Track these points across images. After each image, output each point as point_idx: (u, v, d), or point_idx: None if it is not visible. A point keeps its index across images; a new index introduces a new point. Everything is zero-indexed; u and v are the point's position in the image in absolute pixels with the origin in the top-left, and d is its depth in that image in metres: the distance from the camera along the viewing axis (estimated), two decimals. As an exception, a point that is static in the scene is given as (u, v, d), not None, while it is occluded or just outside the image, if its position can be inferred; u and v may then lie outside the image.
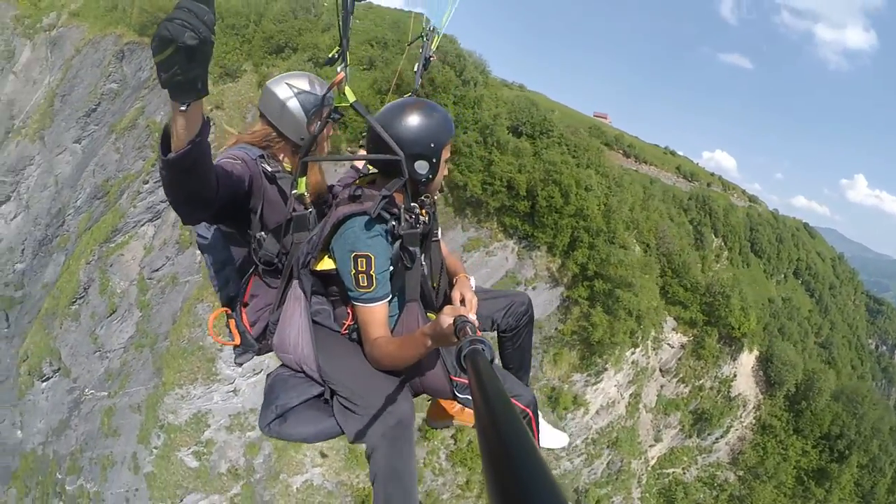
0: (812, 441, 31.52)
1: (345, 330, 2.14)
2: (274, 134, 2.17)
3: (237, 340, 2.24)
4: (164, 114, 24.26)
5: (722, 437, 30.00)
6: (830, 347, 45.23)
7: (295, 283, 2.12)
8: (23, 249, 31.24)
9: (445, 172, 2.19)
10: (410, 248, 1.98)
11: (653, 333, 26.38)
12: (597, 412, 24.14)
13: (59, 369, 26.56)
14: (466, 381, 2.00)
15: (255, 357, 2.32)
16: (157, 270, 24.64)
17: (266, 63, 24.79)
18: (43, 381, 27.36)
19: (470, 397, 2.04)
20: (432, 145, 1.95)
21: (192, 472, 20.75)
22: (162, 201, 25.85)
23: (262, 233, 2.09)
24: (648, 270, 23.95)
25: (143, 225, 25.93)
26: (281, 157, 2.21)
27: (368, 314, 1.98)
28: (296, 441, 2.20)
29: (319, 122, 2.04)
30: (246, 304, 2.23)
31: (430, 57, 2.93)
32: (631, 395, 25.88)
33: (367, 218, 1.91)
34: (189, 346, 21.31)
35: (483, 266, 21.29)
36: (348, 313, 2.07)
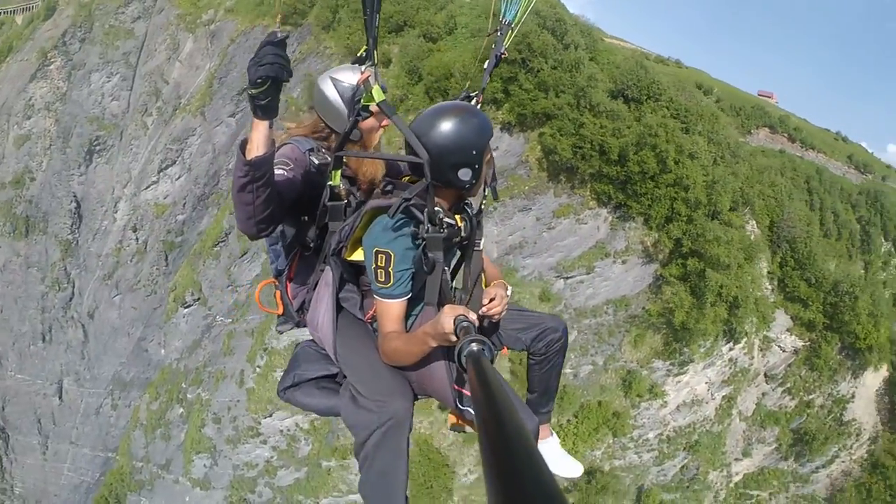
0: (932, 494, 26.08)
1: (368, 318, 2.23)
2: (322, 125, 2.32)
3: (280, 310, 2.42)
4: (299, 91, 28.16)
5: (824, 466, 25.55)
6: None
7: (327, 268, 2.26)
8: (184, 203, 37.15)
9: (489, 177, 2.23)
10: (431, 253, 2.00)
11: (762, 331, 23.30)
12: (677, 408, 22.16)
13: (198, 298, 31.07)
14: (469, 392, 2.08)
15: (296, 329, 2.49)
16: (282, 221, 29.13)
17: (386, 41, 27.41)
18: (185, 308, 32.11)
19: (471, 409, 2.11)
20: (474, 152, 1.98)
21: None
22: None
23: (306, 217, 2.26)
24: (756, 254, 21.19)
25: None
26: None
27: (384, 308, 2.06)
28: (304, 409, 2.37)
29: (352, 118, 2.14)
30: (291, 279, 2.40)
31: (502, 54, 2.84)
32: (724, 397, 23.23)
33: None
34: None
35: (572, 234, 21.07)
36: (374, 303, 2.15)
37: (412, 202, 1.95)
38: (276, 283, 2.46)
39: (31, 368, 35.28)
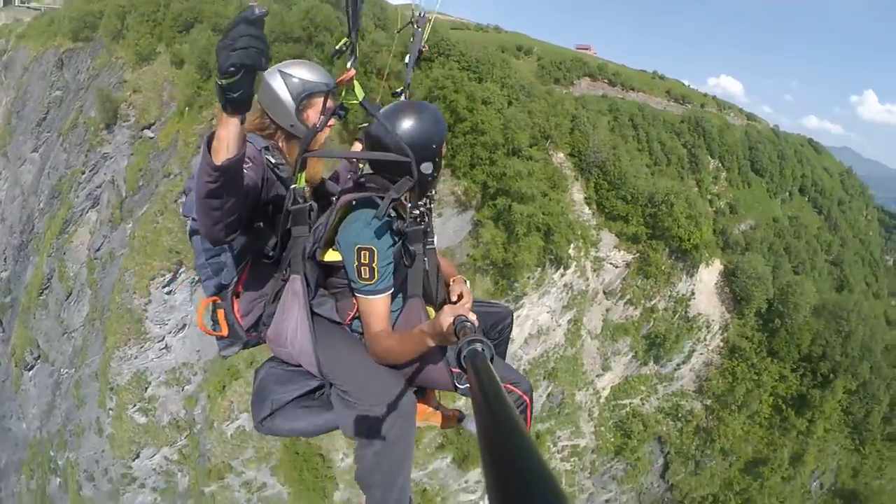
0: (790, 364, 28.53)
1: (348, 321, 2.18)
2: (268, 121, 2.19)
3: (225, 331, 2.19)
4: (95, 112, 26.19)
5: (683, 363, 27.77)
6: (842, 265, 42.67)
7: (293, 277, 2.11)
8: (5, 258, 34.28)
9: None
10: (412, 247, 2.03)
11: (590, 253, 25.08)
12: (525, 341, 23.14)
13: (38, 356, 29.01)
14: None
15: (239, 344, 2.26)
16: (98, 249, 26.58)
17: (177, 41, 26.01)
18: (28, 370, 29.94)
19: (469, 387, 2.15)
20: (434, 146, 2.01)
21: (142, 427, 22.60)
22: (98, 187, 27.89)
23: (261, 223, 2.10)
24: (562, 181, 22.74)
25: (87, 212, 27.95)
26: (280, 146, 2.22)
27: (370, 306, 2.03)
28: (291, 436, 2.30)
29: (323, 116, 2.07)
30: (238, 294, 2.20)
31: (423, 48, 2.71)
32: (570, 321, 24.57)
33: (373, 212, 1.95)
34: (119, 310, 22.82)
35: None
36: (353, 304, 2.09)
37: (396, 200, 1.95)
38: (218, 301, 2.22)
39: None
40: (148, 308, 22.69)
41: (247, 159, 1.89)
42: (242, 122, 1.58)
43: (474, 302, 2.42)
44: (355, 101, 1.98)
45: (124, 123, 25.94)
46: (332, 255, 2.10)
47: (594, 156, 24.83)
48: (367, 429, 2.05)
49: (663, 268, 26.53)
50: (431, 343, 1.84)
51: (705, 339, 28.03)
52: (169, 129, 23.67)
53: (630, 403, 26.71)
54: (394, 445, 2.05)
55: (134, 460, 23.04)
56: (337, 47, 1.96)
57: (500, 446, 0.63)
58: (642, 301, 26.45)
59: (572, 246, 23.58)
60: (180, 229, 23.18)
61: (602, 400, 25.65)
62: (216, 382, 22.19)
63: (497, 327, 2.57)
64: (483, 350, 1.29)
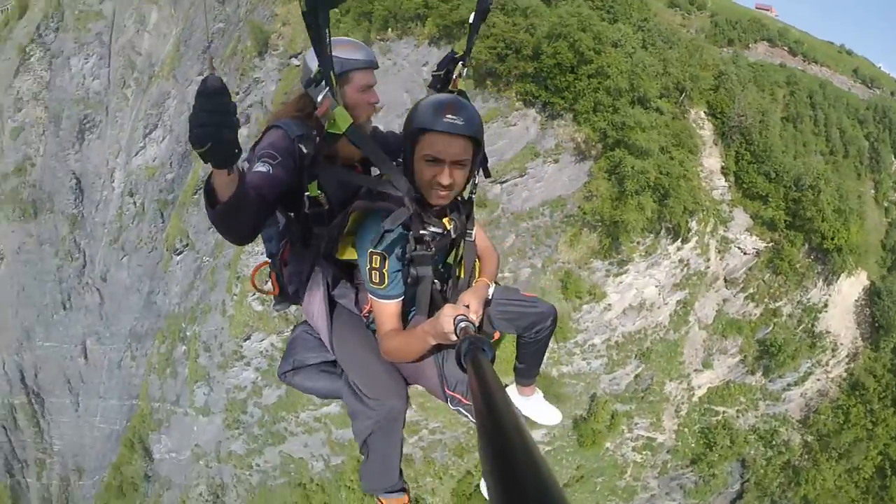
0: (916, 423, 23.85)
1: (364, 313, 2.27)
2: (308, 100, 2.18)
3: (276, 292, 2.40)
4: (250, 42, 29.43)
5: (796, 384, 23.87)
6: None
7: (317, 269, 2.26)
8: (171, 163, 40.17)
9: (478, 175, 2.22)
10: (417, 269, 2.05)
11: (718, 231, 22.05)
12: (623, 312, 21.52)
13: (186, 244, 33.46)
14: (460, 397, 2.23)
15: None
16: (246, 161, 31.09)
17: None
18: (177, 255, 34.73)
19: (462, 409, 2.26)
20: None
21: (257, 314, 25.51)
22: (249, 107, 31.48)
23: (291, 213, 2.20)
24: (691, 140, 19.89)
25: (239, 128, 32.41)
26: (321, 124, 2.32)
27: (380, 308, 2.09)
28: (305, 392, 2.50)
29: (345, 88, 2.10)
30: (285, 264, 2.37)
31: (490, 5, 2.50)
32: (679, 302, 22.21)
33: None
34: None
35: (502, 138, 21.17)
36: (369, 300, 2.16)
37: (404, 219, 1.95)
38: (271, 265, 2.45)
39: (57, 335, 38.38)
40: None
41: (274, 154, 1.98)
42: (230, 173, 1.58)
43: (510, 300, 2.48)
44: (338, 132, 1.92)
45: (274, 52, 28.83)
46: (349, 254, 2.16)
47: (739, 120, 21.68)
48: (361, 416, 2.23)
49: (798, 266, 22.97)
50: (433, 342, 1.89)
51: (827, 364, 23.98)
52: None
53: (723, 413, 23.67)
54: (382, 434, 2.24)
55: (245, 341, 26.10)
56: (312, 76, 1.92)
57: (501, 448, 0.64)
58: (766, 300, 23.19)
59: (695, 218, 21.22)
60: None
61: (695, 399, 23.11)
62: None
63: (534, 328, 2.55)
64: (484, 350, 1.28)
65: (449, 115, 1.89)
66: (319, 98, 1.89)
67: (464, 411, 2.27)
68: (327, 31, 1.71)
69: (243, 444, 26.67)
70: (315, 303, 2.30)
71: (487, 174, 2.39)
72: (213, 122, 1.41)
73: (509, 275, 22.04)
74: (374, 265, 2.00)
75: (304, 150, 2.04)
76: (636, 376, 22.06)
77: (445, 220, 2.10)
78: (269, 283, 2.47)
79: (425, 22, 20.70)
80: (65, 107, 44.04)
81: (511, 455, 0.61)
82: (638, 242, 20.74)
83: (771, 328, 23.17)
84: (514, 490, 0.54)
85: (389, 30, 21.82)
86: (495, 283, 2.52)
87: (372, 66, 2.20)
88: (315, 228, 2.16)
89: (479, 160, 2.05)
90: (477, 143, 1.98)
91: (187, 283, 32.65)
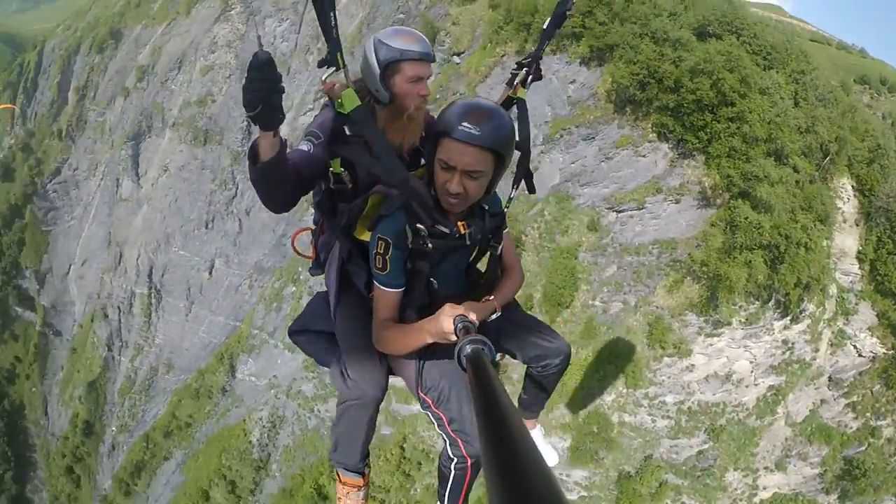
0: None
1: (370, 295, 2.45)
2: (364, 85, 2.47)
3: (312, 257, 2.80)
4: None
5: None
6: None
7: (337, 243, 2.58)
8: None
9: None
10: (416, 262, 2.27)
11: (836, 321, 20.39)
12: (706, 378, 20.61)
13: None
14: (430, 402, 2.41)
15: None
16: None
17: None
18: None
19: (430, 414, 2.45)
20: None
21: None
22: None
23: (323, 186, 2.50)
24: (819, 207, 18.54)
25: None
26: (373, 109, 2.49)
27: (379, 294, 2.29)
28: (305, 354, 2.87)
29: (395, 78, 2.36)
30: (322, 233, 2.74)
31: (569, 11, 2.69)
32: (771, 388, 20.85)
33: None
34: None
35: (629, 167, 21.78)
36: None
37: (398, 204, 2.18)
38: (312, 232, 2.82)
39: (192, 247, 44.70)
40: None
41: (318, 133, 2.38)
42: (275, 136, 2.05)
43: (527, 325, 2.65)
44: (343, 113, 2.18)
45: (439, 48, 33.30)
46: (365, 235, 2.38)
47: (885, 200, 20.24)
48: (340, 390, 2.53)
49: (915, 388, 20.53)
50: (429, 339, 2.04)
51: (915, 508, 20.74)
52: (471, 60, 30.03)
53: (784, 530, 21.19)
54: (352, 414, 2.54)
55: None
56: (324, 58, 2.15)
57: (501, 448, 0.68)
58: (868, 414, 21.18)
59: (811, 299, 20.03)
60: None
61: (755, 501, 21.38)
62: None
63: (541, 361, 2.67)
64: (484, 350, 1.39)
65: (466, 123, 2.02)
66: (324, 77, 2.16)
67: (431, 417, 2.43)
68: (332, 14, 2.00)
69: (313, 388, 29.57)
70: (331, 275, 2.60)
71: (531, 189, 2.66)
72: (263, 89, 1.83)
73: (599, 304, 22.87)
74: (378, 250, 2.20)
75: (348, 132, 2.31)
76: (699, 452, 21.06)
77: (461, 224, 2.25)
78: (311, 249, 2.82)
79: (580, 41, 22.32)
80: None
81: (512, 454, 0.65)
82: (740, 306, 20.00)
83: (864, 448, 21.26)
84: (514, 489, 0.57)
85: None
86: (514, 302, 2.66)
87: (425, 58, 2.39)
88: (339, 204, 2.44)
89: (502, 173, 2.15)
90: (499, 155, 2.09)
91: (314, 232, 39.17)
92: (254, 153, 2.13)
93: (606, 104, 22.69)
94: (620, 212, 22.79)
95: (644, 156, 21.98)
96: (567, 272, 22.77)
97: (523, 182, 2.72)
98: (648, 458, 21.34)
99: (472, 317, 1.87)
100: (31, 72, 62.87)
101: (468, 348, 1.40)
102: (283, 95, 1.98)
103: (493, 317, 2.39)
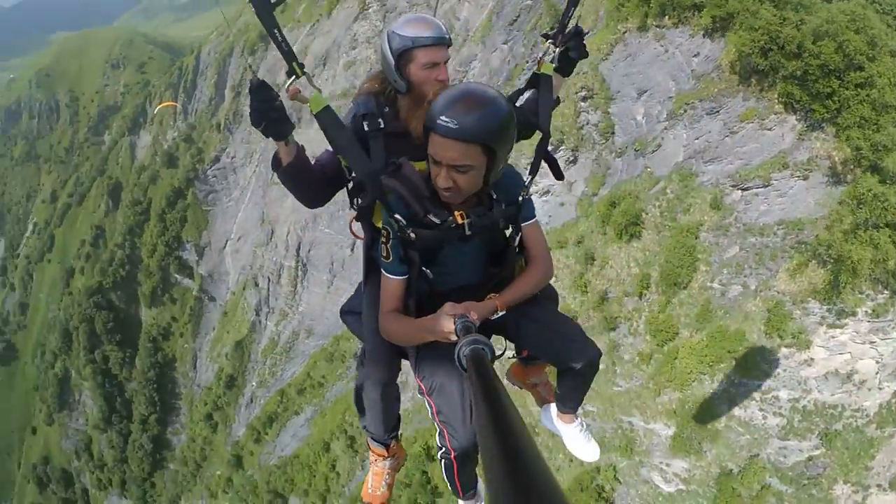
0: None
1: None
2: (382, 76, 2.76)
3: (363, 238, 3.01)
4: (546, 19, 37.33)
5: None
6: None
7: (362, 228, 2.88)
8: None
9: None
10: (408, 251, 2.45)
11: None
12: (825, 375, 19.81)
13: None
14: (424, 387, 2.64)
15: None
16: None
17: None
18: None
19: (425, 399, 2.65)
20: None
21: None
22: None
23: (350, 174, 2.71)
24: None
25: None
26: (394, 100, 2.75)
27: (384, 283, 2.52)
28: (351, 332, 3.24)
29: (409, 67, 2.59)
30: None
31: None
32: None
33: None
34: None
35: (754, 141, 21.64)
36: None
37: (402, 194, 2.35)
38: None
39: (337, 227, 49.82)
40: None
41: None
42: (287, 144, 2.50)
43: (549, 326, 2.75)
44: (316, 111, 2.45)
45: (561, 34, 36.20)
46: (379, 223, 2.61)
47: None
48: (358, 368, 3.04)
49: None
50: (430, 338, 2.24)
51: None
52: (594, 40, 32.29)
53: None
54: (367, 391, 2.98)
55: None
56: (287, 71, 2.42)
57: (502, 447, 0.73)
58: None
59: None
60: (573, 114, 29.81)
61: None
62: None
63: (563, 363, 2.77)
64: (484, 350, 1.49)
65: (444, 117, 2.09)
66: (286, 86, 2.40)
67: (426, 403, 2.69)
68: (277, 31, 2.25)
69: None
70: (359, 260, 3.00)
71: (558, 176, 2.90)
72: (261, 108, 2.32)
73: (718, 287, 22.66)
74: (382, 237, 2.45)
75: (366, 128, 2.62)
76: (809, 458, 20.38)
77: (458, 214, 2.36)
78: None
79: (702, 12, 22.66)
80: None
81: (512, 454, 0.70)
82: (867, 294, 19.12)
83: None
84: (514, 489, 0.61)
85: (666, 17, 24.45)
86: (540, 298, 2.76)
87: (439, 43, 2.58)
88: (361, 194, 2.72)
89: (498, 163, 2.23)
90: (487, 147, 2.14)
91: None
92: (275, 160, 2.51)
93: (731, 76, 23.17)
94: (745, 189, 22.56)
95: (770, 129, 21.94)
96: (686, 251, 22.95)
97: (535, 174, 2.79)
98: (754, 457, 21.04)
99: (473, 316, 1.98)
100: (189, 73, 74.25)
101: (468, 349, 1.50)
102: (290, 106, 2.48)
103: (496, 315, 2.41)
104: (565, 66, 2.95)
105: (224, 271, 62.28)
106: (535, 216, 2.67)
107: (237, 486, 48.57)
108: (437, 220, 2.37)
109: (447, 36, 2.64)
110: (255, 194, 60.51)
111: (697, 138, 24.49)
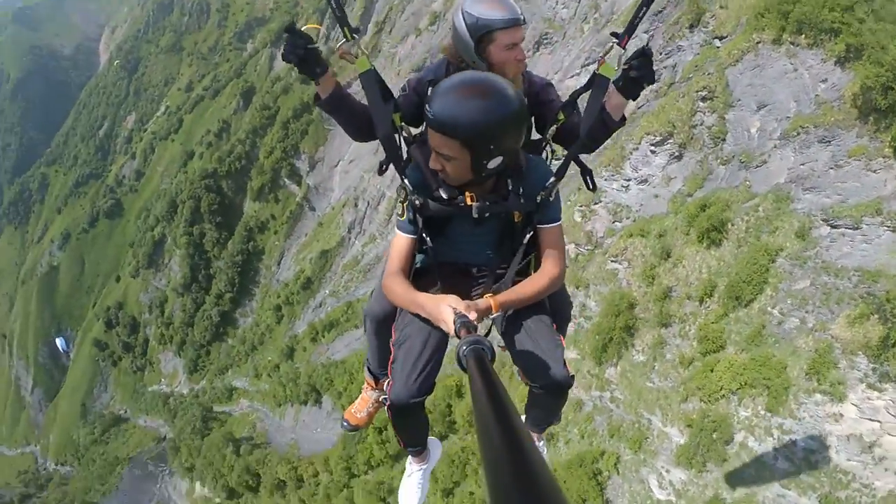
0: None
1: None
2: (454, 48, 2.87)
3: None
4: (682, 14, 36.81)
5: None
6: None
7: None
8: None
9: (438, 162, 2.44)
10: (415, 216, 2.58)
11: None
12: (847, 437, 19.78)
13: None
14: (394, 336, 2.85)
15: None
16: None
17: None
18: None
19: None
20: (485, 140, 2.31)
21: None
22: (664, 67, 39.61)
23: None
24: None
25: None
26: None
27: (394, 240, 2.67)
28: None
29: (490, 48, 2.71)
30: None
31: None
32: None
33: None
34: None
35: (855, 179, 21.53)
36: None
37: (419, 164, 2.54)
38: None
39: None
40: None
41: (407, 88, 2.99)
42: (318, 83, 2.75)
43: (530, 336, 2.71)
44: (362, 70, 2.70)
45: (703, 29, 34.18)
46: None
47: None
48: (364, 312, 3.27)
49: None
50: (422, 315, 2.36)
51: None
52: (730, 46, 31.98)
53: None
54: (367, 324, 3.28)
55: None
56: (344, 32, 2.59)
57: (501, 447, 0.75)
58: None
59: None
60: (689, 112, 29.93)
61: None
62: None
63: (527, 379, 2.78)
64: (484, 350, 1.52)
65: (430, 105, 2.18)
66: (337, 47, 2.71)
67: (391, 352, 2.81)
68: (336, 1, 2.57)
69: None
70: None
71: (589, 186, 2.94)
72: (291, 50, 2.58)
73: (777, 315, 22.91)
74: (400, 197, 2.60)
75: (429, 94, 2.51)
76: None
77: (468, 195, 2.42)
78: None
79: (838, 37, 22.53)
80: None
81: (512, 454, 0.72)
82: None
83: None
84: (514, 489, 0.64)
85: (803, 35, 24.35)
86: (543, 304, 2.76)
87: (517, 24, 2.69)
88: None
89: (486, 158, 2.26)
90: (464, 141, 2.15)
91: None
92: (315, 95, 2.85)
93: (851, 108, 22.88)
94: (834, 227, 22.01)
95: (875, 171, 21.38)
96: (758, 271, 23.40)
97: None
98: (751, 495, 21.08)
99: (472, 316, 2.05)
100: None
101: (468, 349, 1.52)
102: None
103: (492, 316, 2.43)
104: (629, 87, 2.81)
105: (330, 187, 66.80)
106: (557, 220, 2.66)
107: (281, 373, 53.42)
108: (444, 196, 2.46)
109: (522, 16, 2.75)
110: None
111: (803, 164, 24.36)
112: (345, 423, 3.96)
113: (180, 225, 75.35)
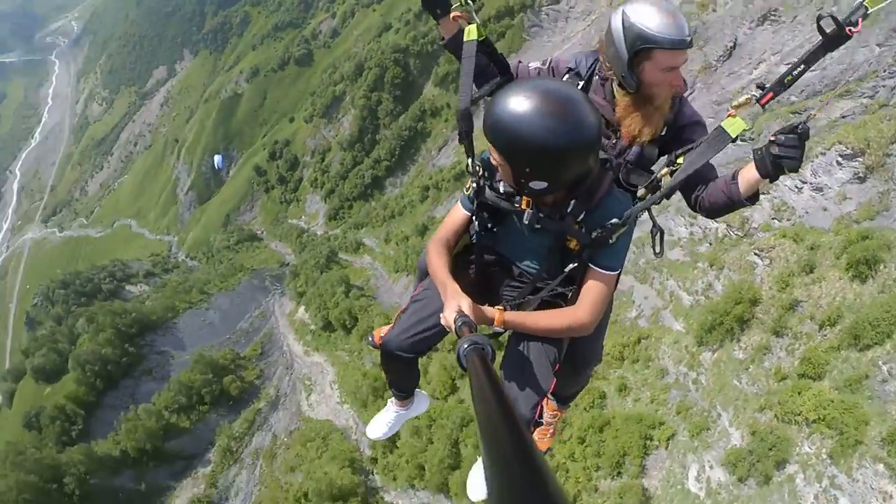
0: None
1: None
2: (602, 45, 2.52)
3: None
4: None
5: None
6: None
7: None
8: None
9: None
10: (477, 199, 2.51)
11: None
12: None
13: None
14: (415, 293, 2.91)
15: None
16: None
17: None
18: None
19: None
20: (546, 160, 2.19)
21: None
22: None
23: None
24: None
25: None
26: (612, 84, 2.58)
27: (452, 210, 2.69)
28: None
29: (645, 64, 2.37)
30: None
31: (854, 29, 2.12)
32: None
33: None
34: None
35: None
36: None
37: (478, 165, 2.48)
38: None
39: None
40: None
41: (547, 62, 2.90)
42: (440, 24, 2.80)
43: (514, 362, 2.64)
44: (471, 40, 2.67)
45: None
46: None
47: None
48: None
49: None
50: (440, 290, 2.40)
51: None
52: None
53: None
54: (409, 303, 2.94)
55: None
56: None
57: (500, 448, 0.77)
58: None
59: None
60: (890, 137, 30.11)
61: None
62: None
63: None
64: (484, 350, 1.55)
65: (493, 102, 2.12)
66: (453, 8, 2.70)
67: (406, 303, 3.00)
68: None
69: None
70: None
71: (656, 250, 2.57)
72: None
73: (885, 371, 20.50)
74: (470, 170, 2.54)
75: (565, 80, 2.72)
76: None
77: (525, 200, 2.33)
78: None
79: None
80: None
81: (512, 454, 0.74)
82: None
83: None
84: (513, 488, 0.65)
85: None
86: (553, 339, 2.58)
87: (681, 45, 2.28)
88: None
89: (526, 176, 2.15)
90: (506, 154, 2.13)
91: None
92: (440, 35, 2.88)
93: None
94: None
95: None
96: (888, 320, 22.38)
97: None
98: None
99: (473, 317, 2.08)
100: None
101: (469, 348, 1.54)
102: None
103: (492, 329, 2.42)
104: (767, 165, 2.24)
105: (505, 93, 71.34)
106: (610, 268, 2.40)
107: (408, 245, 57.72)
108: (501, 190, 2.39)
109: (690, 37, 2.29)
110: (573, 49, 67.26)
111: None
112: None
113: (362, 88, 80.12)
